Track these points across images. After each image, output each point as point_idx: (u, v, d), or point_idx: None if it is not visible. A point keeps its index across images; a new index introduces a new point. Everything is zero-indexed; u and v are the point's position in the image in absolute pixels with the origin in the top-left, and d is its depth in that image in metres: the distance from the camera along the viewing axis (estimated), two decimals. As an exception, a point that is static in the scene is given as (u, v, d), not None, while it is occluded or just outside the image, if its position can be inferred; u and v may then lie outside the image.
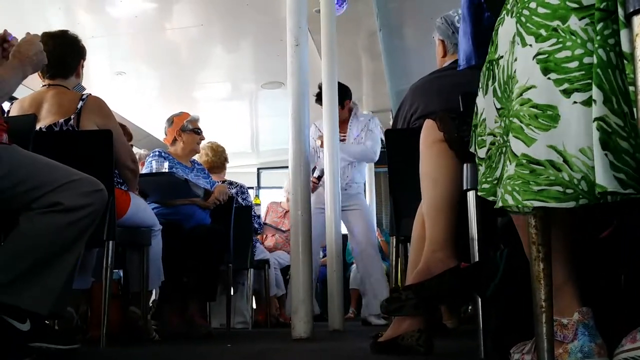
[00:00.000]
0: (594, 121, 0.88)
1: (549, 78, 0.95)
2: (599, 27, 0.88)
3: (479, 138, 1.20)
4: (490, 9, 1.61)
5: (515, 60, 1.00)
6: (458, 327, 3.37)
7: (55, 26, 2.96)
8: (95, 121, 2.66)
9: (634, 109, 0.81)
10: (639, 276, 1.32)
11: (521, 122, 0.94)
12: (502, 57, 1.09)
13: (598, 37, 0.88)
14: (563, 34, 0.94)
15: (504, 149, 1.07)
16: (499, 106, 1.10)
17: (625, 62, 0.82)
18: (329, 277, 3.77)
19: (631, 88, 0.81)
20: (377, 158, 4.76)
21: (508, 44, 1.06)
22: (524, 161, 0.96)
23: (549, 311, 1.00)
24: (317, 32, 4.31)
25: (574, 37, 0.94)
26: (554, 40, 0.92)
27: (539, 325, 1.00)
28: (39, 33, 2.28)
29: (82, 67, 2.92)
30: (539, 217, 1.01)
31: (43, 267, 1.82)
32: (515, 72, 1.00)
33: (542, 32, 0.95)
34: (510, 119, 0.97)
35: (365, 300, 4.65)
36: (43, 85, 2.80)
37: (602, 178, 0.86)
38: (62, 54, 2.79)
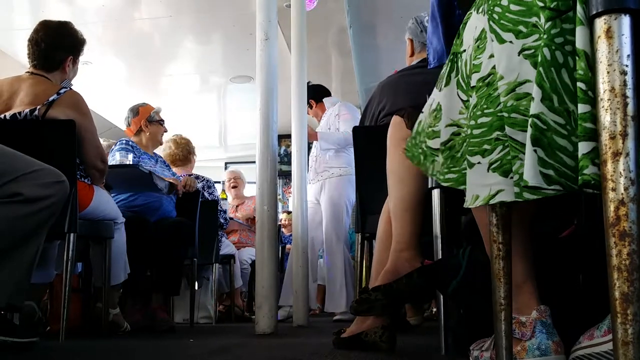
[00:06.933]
0: (529, 117, 0.89)
1: None
2: (547, 25, 0.89)
3: (429, 129, 1.20)
4: (461, 7, 1.61)
5: (491, 56, 1.00)
6: (421, 323, 3.40)
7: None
8: (69, 115, 2.55)
9: (579, 105, 0.82)
10: (596, 275, 1.34)
11: (524, 115, 0.94)
12: (465, 50, 1.10)
13: (545, 36, 0.89)
14: (542, 30, 0.95)
15: None
16: (465, 98, 1.10)
17: (577, 58, 0.82)
18: (294, 272, 3.75)
19: (580, 85, 0.81)
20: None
21: (472, 39, 1.07)
22: None
23: (508, 309, 1.02)
24: (287, 27, 4.29)
25: None
26: (536, 36, 0.93)
27: (498, 323, 1.01)
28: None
29: (73, 63, 2.84)
30: (500, 215, 1.02)
31: (1, 259, 1.79)
32: (494, 67, 0.99)
33: (522, 28, 0.95)
34: (508, 114, 0.96)
35: (330, 294, 4.57)
36: (26, 72, 2.74)
37: (528, 173, 0.88)
38: (48, 47, 2.72)
